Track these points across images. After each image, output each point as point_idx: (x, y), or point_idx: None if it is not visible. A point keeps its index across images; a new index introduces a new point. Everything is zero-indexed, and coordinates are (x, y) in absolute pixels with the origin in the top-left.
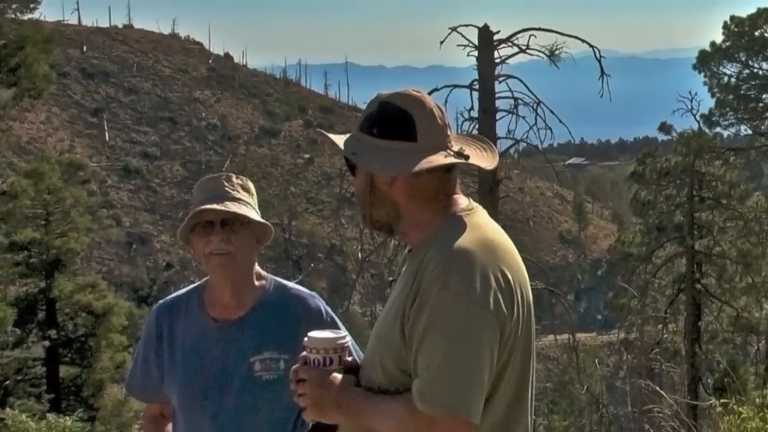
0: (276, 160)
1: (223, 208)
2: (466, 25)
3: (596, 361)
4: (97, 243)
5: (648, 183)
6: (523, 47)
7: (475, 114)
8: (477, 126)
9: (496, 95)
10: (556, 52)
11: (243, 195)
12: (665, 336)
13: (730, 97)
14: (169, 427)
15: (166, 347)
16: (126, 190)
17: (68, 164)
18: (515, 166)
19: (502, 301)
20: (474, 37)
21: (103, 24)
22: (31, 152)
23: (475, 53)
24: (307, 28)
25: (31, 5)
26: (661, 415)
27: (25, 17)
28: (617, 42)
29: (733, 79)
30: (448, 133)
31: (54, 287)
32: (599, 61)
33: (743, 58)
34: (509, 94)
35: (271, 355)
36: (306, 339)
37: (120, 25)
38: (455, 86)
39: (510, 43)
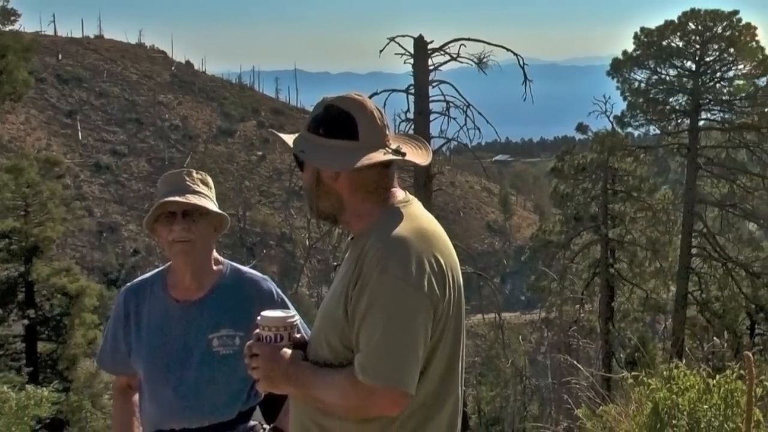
0: (232, 157)
1: (184, 200)
2: (403, 36)
3: (520, 337)
4: (71, 231)
5: (566, 177)
6: (454, 55)
7: (411, 116)
8: (413, 126)
9: (430, 99)
10: (484, 60)
11: (202, 188)
12: (582, 315)
13: (640, 100)
14: (136, 397)
15: (133, 325)
16: (97, 184)
17: (45, 161)
18: (447, 163)
19: (435, 284)
20: (410, 47)
21: (77, 35)
22: (12, 150)
23: (411, 61)
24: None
25: (12, 18)
26: (578, 386)
27: (6, 29)
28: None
29: (642, 84)
30: (387, 132)
31: (32, 271)
32: (522, 68)
33: (652, 65)
34: (442, 97)
35: (227, 333)
36: (259, 318)
37: (92, 36)
38: (393, 91)
39: (442, 52)
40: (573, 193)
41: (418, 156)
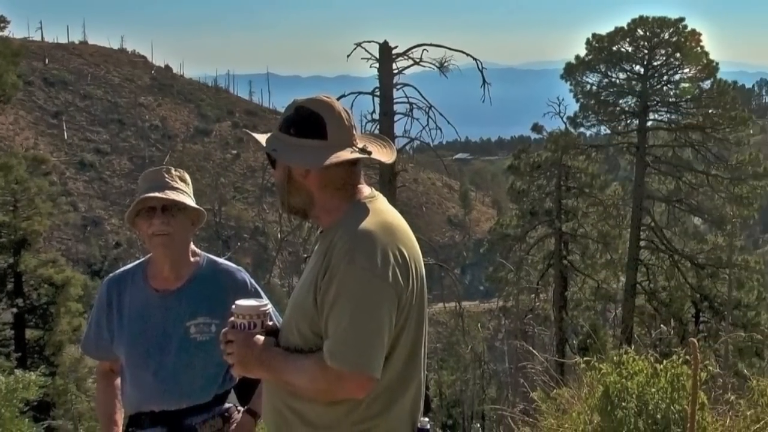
0: (208, 156)
1: (163, 195)
2: (369, 41)
3: (479, 325)
4: (57, 225)
5: (522, 175)
6: (417, 60)
7: (376, 116)
8: (378, 127)
9: (394, 101)
10: (445, 64)
11: (180, 185)
12: (537, 304)
13: (592, 102)
14: (118, 381)
15: (115, 313)
16: (81, 180)
17: (33, 159)
18: (410, 161)
19: (399, 275)
20: (376, 52)
21: (62, 40)
22: (1, 149)
23: (377, 65)
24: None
25: (1, 25)
26: (533, 370)
27: None
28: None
29: (594, 87)
30: (354, 132)
31: (21, 263)
32: (481, 72)
33: (603, 69)
34: (405, 99)
35: (204, 320)
36: (234, 306)
37: (76, 41)
38: (360, 93)
39: (406, 57)
40: (529, 189)
41: (383, 154)
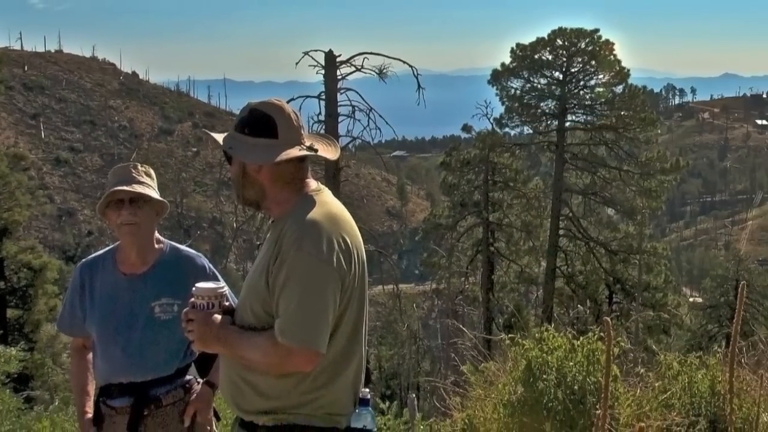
0: (171, 153)
1: (130, 189)
2: (316, 50)
3: (414, 305)
4: (35, 216)
5: (453, 170)
6: (359, 67)
7: (322, 118)
8: (323, 127)
9: (338, 104)
10: (384, 70)
11: (146, 179)
12: (466, 286)
13: (516, 105)
14: (90, 356)
15: (87, 295)
16: (57, 175)
17: (13, 156)
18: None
19: (342, 260)
20: (322, 59)
21: (40, 49)
22: None
23: (323, 72)
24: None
25: None
26: (463, 346)
27: None
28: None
29: (518, 92)
30: (302, 132)
31: (2, 249)
32: (416, 78)
33: (526, 75)
34: (348, 103)
35: (167, 301)
36: (194, 289)
37: (53, 50)
38: (307, 96)
39: (349, 64)
40: (459, 183)
41: (328, 152)
